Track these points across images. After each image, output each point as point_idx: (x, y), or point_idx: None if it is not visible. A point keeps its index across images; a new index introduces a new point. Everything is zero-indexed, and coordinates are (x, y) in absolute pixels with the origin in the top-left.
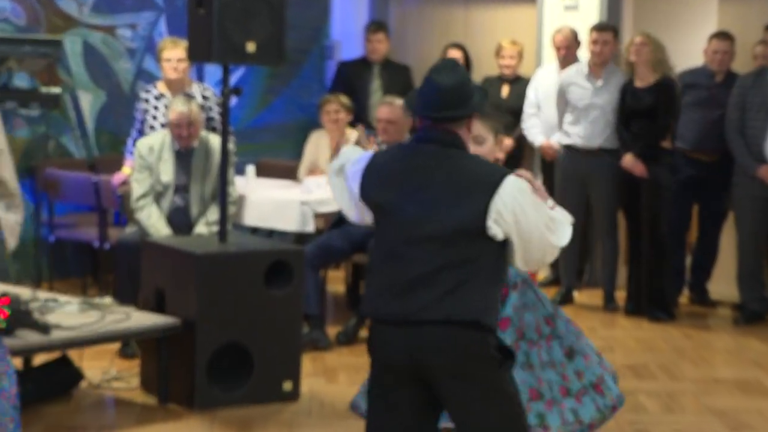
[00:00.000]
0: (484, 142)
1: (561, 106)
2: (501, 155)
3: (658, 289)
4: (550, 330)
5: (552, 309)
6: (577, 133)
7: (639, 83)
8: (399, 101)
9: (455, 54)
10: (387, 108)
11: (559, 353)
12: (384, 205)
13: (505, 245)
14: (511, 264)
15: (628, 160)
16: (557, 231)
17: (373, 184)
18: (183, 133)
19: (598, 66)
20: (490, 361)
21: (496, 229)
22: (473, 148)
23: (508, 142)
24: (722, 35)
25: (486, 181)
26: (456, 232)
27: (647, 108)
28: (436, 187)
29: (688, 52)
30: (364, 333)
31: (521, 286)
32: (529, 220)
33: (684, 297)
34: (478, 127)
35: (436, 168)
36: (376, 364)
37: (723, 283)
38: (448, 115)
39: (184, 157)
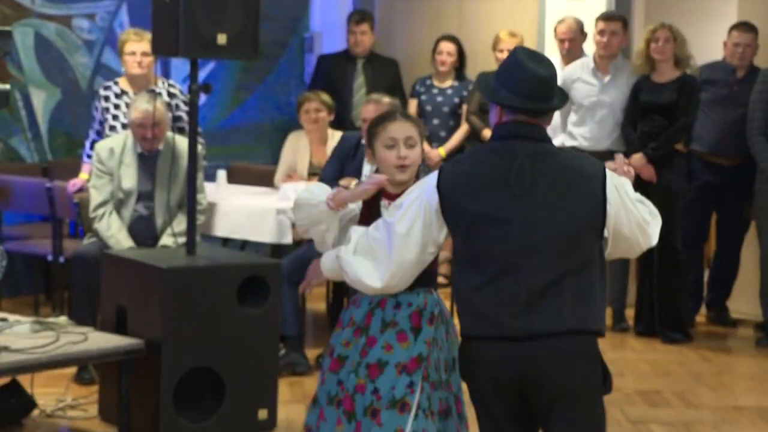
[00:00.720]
0: (416, 146)
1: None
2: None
3: (673, 308)
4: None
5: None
6: (582, 135)
7: (658, 78)
8: (386, 99)
9: (448, 47)
10: (373, 107)
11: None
12: (485, 216)
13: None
14: None
15: (637, 160)
16: (648, 230)
17: (464, 195)
18: (147, 134)
19: (606, 60)
20: (599, 376)
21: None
22: (403, 152)
23: (433, 154)
24: (744, 26)
25: (592, 174)
26: (575, 232)
27: (666, 104)
28: (544, 187)
29: (706, 45)
30: None
31: (437, 319)
32: (630, 217)
33: (701, 316)
34: (410, 128)
35: (540, 166)
36: (477, 382)
37: (744, 301)
38: (550, 107)
39: (147, 161)
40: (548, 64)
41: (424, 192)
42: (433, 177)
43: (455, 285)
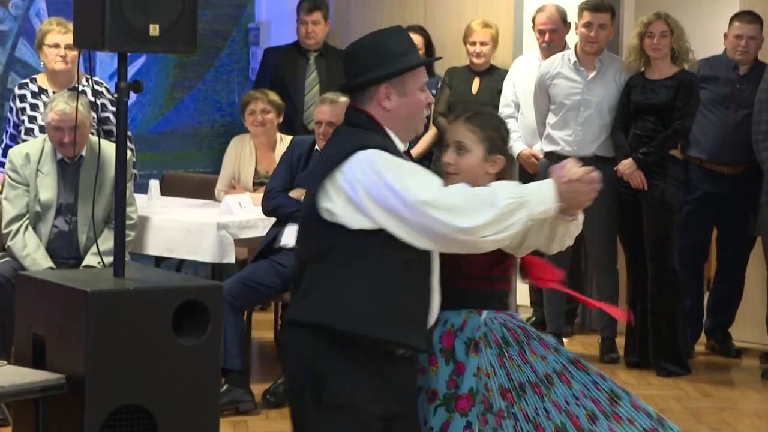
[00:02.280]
0: (467, 153)
1: (541, 105)
2: (491, 173)
3: (669, 336)
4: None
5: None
6: (564, 138)
7: (653, 75)
8: (343, 99)
9: (414, 39)
10: (328, 107)
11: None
12: None
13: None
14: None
15: (626, 166)
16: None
17: None
18: (64, 138)
19: (591, 55)
20: (308, 380)
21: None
22: (450, 157)
23: (500, 161)
24: (747, 15)
25: (333, 157)
26: (305, 220)
27: (661, 104)
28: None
29: (704, 37)
30: None
31: (480, 344)
32: (382, 191)
33: (701, 345)
34: (462, 132)
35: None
36: None
37: (749, 327)
38: (340, 85)
39: (69, 169)
40: (362, 38)
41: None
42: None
43: None
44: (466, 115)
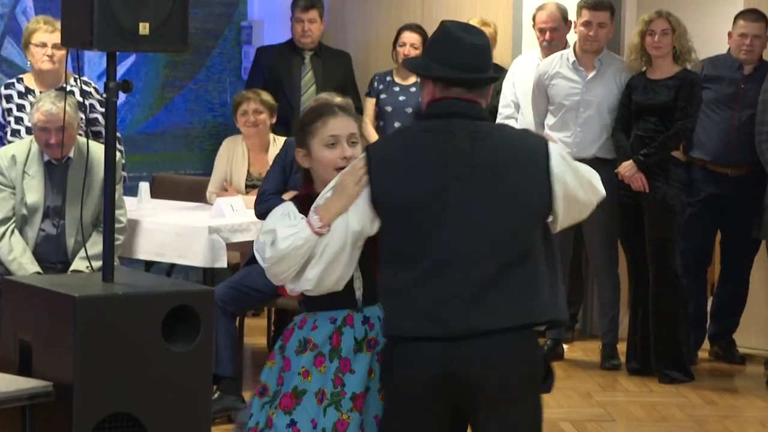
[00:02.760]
0: (357, 143)
1: (539, 105)
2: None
3: (671, 342)
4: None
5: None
6: (563, 140)
7: (654, 75)
8: (338, 99)
9: (412, 38)
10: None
11: None
12: (419, 204)
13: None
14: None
15: (626, 168)
16: (595, 184)
17: (395, 181)
18: (50, 139)
19: (590, 54)
20: (540, 373)
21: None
22: (351, 151)
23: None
24: (752, 13)
25: (536, 150)
26: (518, 220)
27: (663, 104)
28: (486, 171)
29: (708, 36)
30: None
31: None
32: (580, 181)
33: (704, 351)
34: (353, 125)
35: (481, 147)
36: (405, 384)
37: (754, 333)
38: (487, 77)
39: (56, 171)
40: (479, 33)
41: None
42: (360, 161)
43: (383, 282)
44: (339, 108)
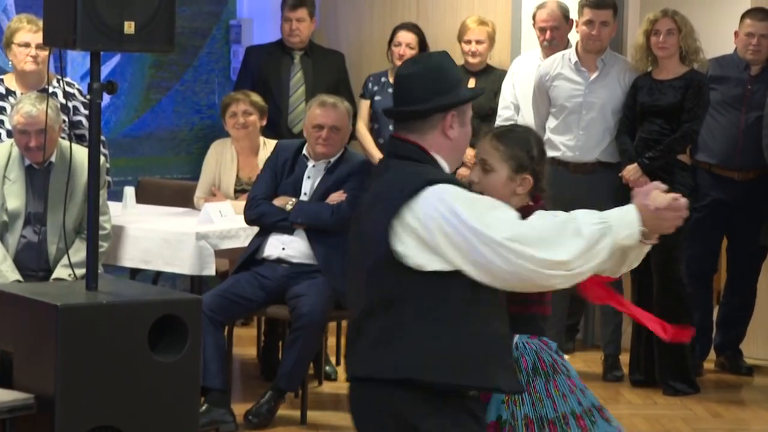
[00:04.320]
0: (491, 171)
1: (540, 108)
2: (519, 193)
3: (676, 352)
4: None
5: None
6: (566, 143)
7: (660, 75)
8: (345, 103)
9: (408, 38)
10: (332, 111)
11: None
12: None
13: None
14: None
15: (630, 172)
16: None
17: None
18: (30, 143)
19: (593, 54)
20: None
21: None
22: (476, 175)
23: (528, 181)
24: (759, 13)
25: (398, 192)
26: (373, 266)
27: (669, 106)
28: (365, 211)
29: (714, 35)
30: (282, 411)
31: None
32: (462, 247)
33: (710, 362)
34: (486, 149)
35: (373, 186)
36: None
37: (761, 343)
38: (405, 110)
39: (38, 175)
40: (418, 61)
41: None
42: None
43: None
44: (494, 132)
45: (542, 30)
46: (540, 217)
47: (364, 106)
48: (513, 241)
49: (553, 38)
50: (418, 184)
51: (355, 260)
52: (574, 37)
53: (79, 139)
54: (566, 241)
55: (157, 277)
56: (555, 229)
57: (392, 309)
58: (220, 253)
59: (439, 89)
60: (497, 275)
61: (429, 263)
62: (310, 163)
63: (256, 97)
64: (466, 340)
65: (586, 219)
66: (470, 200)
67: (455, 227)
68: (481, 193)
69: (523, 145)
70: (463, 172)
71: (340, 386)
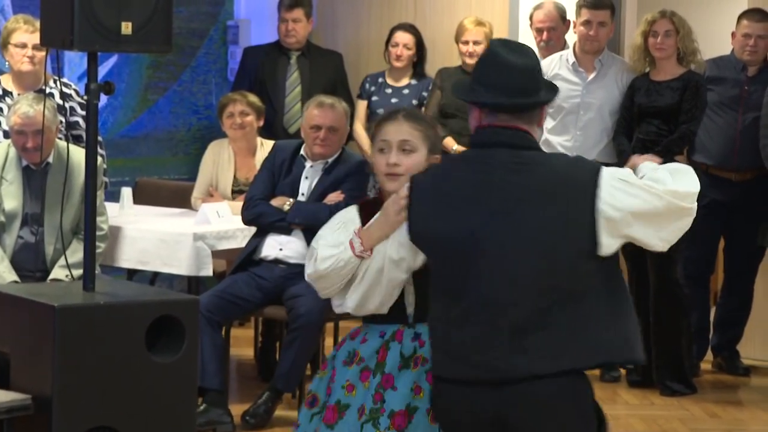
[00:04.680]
0: (413, 152)
1: None
2: None
3: (673, 353)
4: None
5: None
6: (563, 144)
7: (657, 76)
8: (343, 103)
9: (405, 39)
10: (330, 111)
11: None
12: (456, 240)
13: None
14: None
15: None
16: (681, 193)
17: (432, 215)
18: (27, 143)
19: (591, 54)
20: (591, 422)
21: (609, 240)
22: (397, 158)
23: (438, 161)
24: (756, 13)
25: (582, 183)
26: (563, 259)
27: (667, 107)
28: (525, 206)
29: (711, 36)
30: (279, 412)
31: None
32: (641, 202)
33: (707, 362)
34: (407, 130)
35: (523, 180)
36: (452, 428)
37: (759, 344)
38: (531, 102)
39: (35, 176)
40: (526, 52)
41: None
42: (404, 190)
43: (430, 316)
44: (406, 113)
45: (539, 31)
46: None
47: (362, 106)
48: (675, 182)
49: (550, 39)
50: (593, 170)
51: (507, 259)
52: (571, 37)
53: (76, 140)
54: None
55: (154, 277)
56: (677, 170)
57: (584, 299)
58: (217, 254)
59: (542, 84)
60: (676, 222)
61: (614, 245)
62: (308, 164)
63: (253, 98)
64: (633, 319)
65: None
66: (626, 171)
67: (636, 195)
68: (403, 175)
69: (433, 126)
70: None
71: None
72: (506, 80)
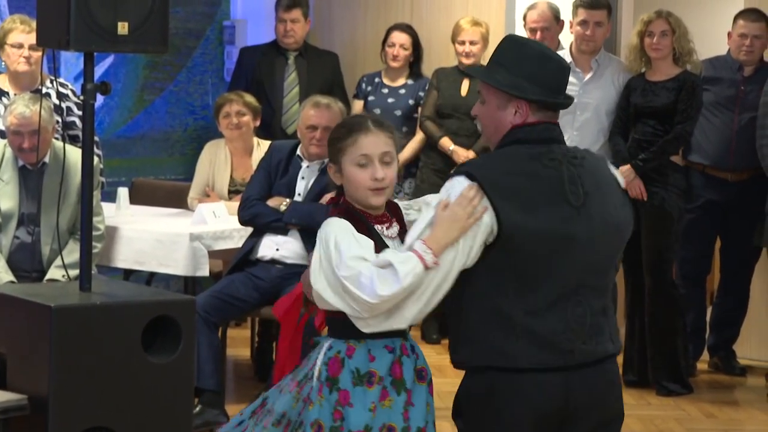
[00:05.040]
0: (392, 162)
1: None
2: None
3: (669, 353)
4: None
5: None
6: None
7: (653, 76)
8: (339, 104)
9: (402, 39)
10: (325, 111)
11: None
12: (548, 232)
13: None
14: None
15: (624, 173)
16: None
17: (520, 209)
18: (24, 143)
19: (587, 54)
20: None
21: None
22: (384, 172)
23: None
24: (752, 14)
25: (611, 172)
26: (623, 244)
27: (662, 107)
28: (593, 197)
29: (707, 36)
30: None
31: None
32: None
33: (703, 362)
34: (386, 141)
35: (583, 172)
36: (516, 417)
37: (755, 344)
38: (566, 102)
39: (31, 176)
40: (553, 54)
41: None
42: (470, 191)
43: (499, 311)
44: (371, 121)
45: (533, 31)
46: None
47: (358, 106)
48: None
49: (544, 39)
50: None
51: (592, 247)
52: (565, 37)
53: (73, 140)
54: None
55: (150, 278)
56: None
57: (610, 288)
58: (213, 254)
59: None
60: None
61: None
62: (304, 164)
63: (249, 98)
64: None
65: None
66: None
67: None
68: (388, 188)
69: (392, 127)
70: None
71: None
72: (553, 77)
